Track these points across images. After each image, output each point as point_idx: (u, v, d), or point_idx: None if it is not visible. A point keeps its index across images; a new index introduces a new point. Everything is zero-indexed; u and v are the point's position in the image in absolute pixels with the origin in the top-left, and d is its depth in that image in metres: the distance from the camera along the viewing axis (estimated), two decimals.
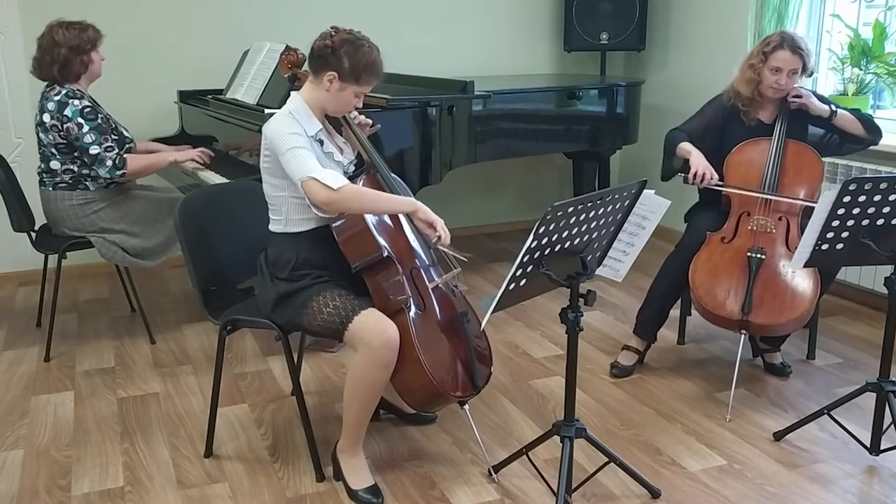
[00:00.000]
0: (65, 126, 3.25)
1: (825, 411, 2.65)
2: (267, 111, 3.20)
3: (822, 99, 3.12)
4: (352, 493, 2.41)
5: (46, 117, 3.28)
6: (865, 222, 2.37)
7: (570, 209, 2.00)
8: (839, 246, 2.42)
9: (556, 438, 2.31)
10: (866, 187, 2.28)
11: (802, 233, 2.49)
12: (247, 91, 3.80)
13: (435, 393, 2.33)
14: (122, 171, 3.33)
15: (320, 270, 2.39)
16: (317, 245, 2.39)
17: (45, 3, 3.90)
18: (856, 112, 3.11)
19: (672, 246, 3.21)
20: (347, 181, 2.30)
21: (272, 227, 2.45)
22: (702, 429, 2.83)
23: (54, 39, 3.26)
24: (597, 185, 4.76)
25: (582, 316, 2.20)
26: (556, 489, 2.26)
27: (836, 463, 2.60)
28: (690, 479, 2.52)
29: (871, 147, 3.21)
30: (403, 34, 4.74)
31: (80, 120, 3.25)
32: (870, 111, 3.98)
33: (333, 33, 2.34)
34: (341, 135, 2.58)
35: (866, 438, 2.62)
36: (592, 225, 2.13)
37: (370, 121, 2.62)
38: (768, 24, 4.07)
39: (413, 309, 2.35)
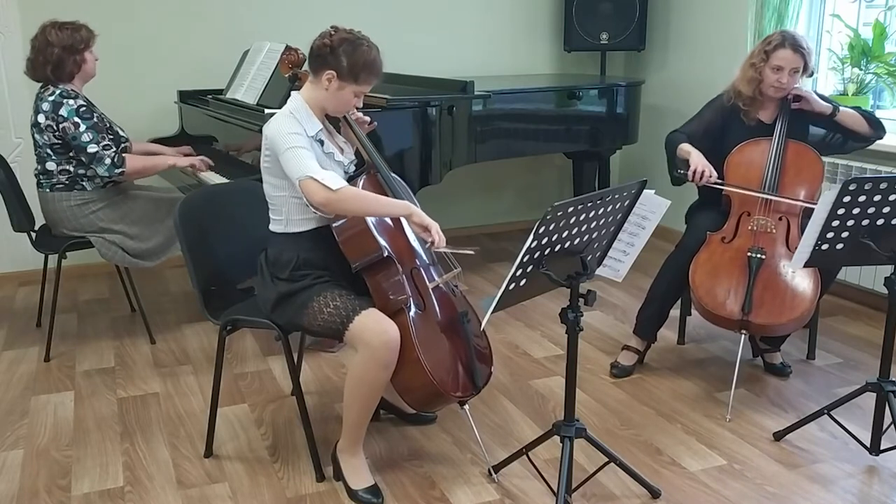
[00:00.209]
0: (61, 126, 3.25)
1: (825, 411, 2.65)
2: (267, 111, 3.20)
3: (822, 98, 3.12)
4: (352, 493, 2.41)
5: (41, 118, 3.27)
6: (865, 222, 2.37)
7: (570, 209, 2.00)
8: (839, 246, 2.42)
9: (556, 438, 2.31)
10: (866, 187, 2.28)
11: (803, 233, 2.48)
12: (247, 91, 3.80)
13: (435, 393, 2.33)
14: (120, 170, 3.33)
15: (321, 270, 2.39)
16: (317, 245, 2.39)
17: (45, 3, 3.90)
18: (857, 109, 3.11)
19: (672, 246, 3.21)
20: (346, 182, 2.29)
21: (272, 227, 2.45)
22: (702, 429, 2.83)
23: (47, 40, 3.26)
24: (597, 185, 4.76)
25: (582, 316, 2.20)
26: (556, 489, 2.26)
27: (836, 463, 2.60)
28: (690, 479, 2.52)
29: (872, 147, 3.21)
30: (403, 34, 4.74)
31: (77, 119, 3.25)
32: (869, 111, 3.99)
33: (333, 33, 2.34)
34: (341, 134, 2.58)
35: (866, 438, 2.62)
36: (592, 225, 2.13)
37: (368, 118, 2.62)
38: (768, 24, 4.07)
39: (413, 309, 2.35)
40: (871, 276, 3.82)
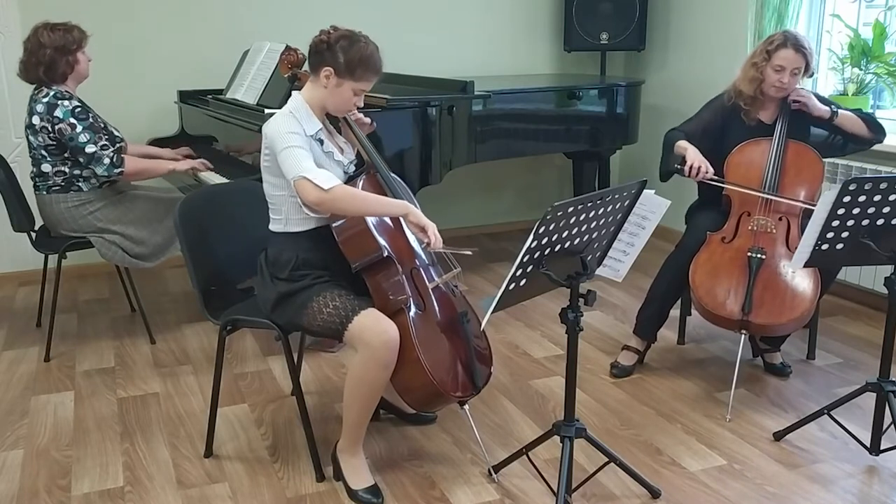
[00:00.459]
0: (56, 127, 3.24)
1: (825, 411, 2.65)
2: (267, 111, 3.20)
3: (822, 100, 3.13)
4: (352, 493, 2.41)
5: (36, 119, 3.27)
6: (865, 222, 2.37)
7: (570, 209, 2.00)
8: (839, 246, 2.42)
9: (556, 438, 2.31)
10: (866, 187, 2.28)
11: (803, 233, 2.48)
12: (247, 91, 3.80)
13: (435, 393, 2.33)
14: (119, 170, 3.33)
15: (320, 270, 2.39)
16: (317, 245, 2.39)
17: (45, 3, 3.90)
18: (857, 112, 3.11)
19: (672, 246, 3.21)
20: (340, 182, 2.29)
21: (272, 227, 2.44)
22: (702, 429, 2.83)
23: (39, 41, 3.25)
24: (597, 185, 4.76)
25: (582, 316, 2.20)
26: (556, 489, 2.26)
27: (836, 463, 2.60)
28: (690, 479, 2.52)
29: (872, 147, 3.21)
30: (403, 34, 4.74)
31: (73, 120, 3.25)
32: (870, 111, 3.98)
33: (331, 31, 2.35)
34: (341, 135, 2.58)
35: (866, 438, 2.62)
36: (592, 225, 2.13)
37: (368, 119, 2.62)
38: (768, 24, 4.07)
39: (413, 309, 2.35)
40: (871, 276, 3.82)
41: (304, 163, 2.25)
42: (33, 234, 3.51)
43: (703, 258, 3.01)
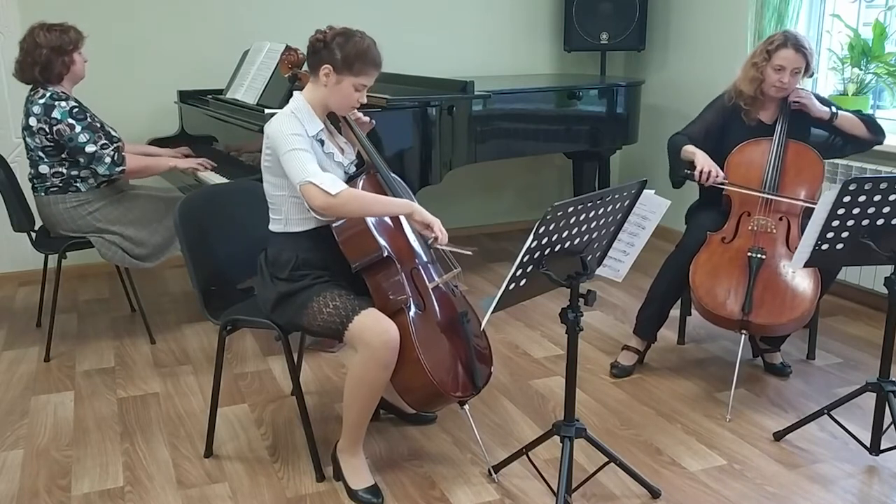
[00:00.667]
0: (55, 128, 3.24)
1: (825, 411, 2.65)
2: (267, 111, 3.20)
3: (823, 101, 3.13)
4: (352, 493, 2.41)
5: (33, 121, 3.26)
6: (865, 222, 2.37)
7: (570, 209, 2.00)
8: (839, 246, 2.42)
9: (556, 438, 2.31)
10: (866, 187, 2.28)
11: (803, 233, 2.48)
12: (247, 91, 3.80)
13: (435, 393, 2.33)
14: (121, 168, 3.33)
15: (320, 270, 2.39)
16: (317, 245, 2.39)
17: (45, 3, 3.91)
18: (857, 113, 3.11)
19: (672, 246, 3.21)
20: (345, 185, 2.29)
21: (272, 227, 2.44)
22: (702, 429, 2.83)
23: (35, 41, 3.25)
24: (597, 185, 4.76)
25: (582, 316, 2.20)
26: (556, 489, 2.26)
27: (836, 463, 2.60)
28: (690, 479, 2.52)
29: (872, 148, 3.21)
30: (403, 34, 4.74)
31: (71, 120, 3.25)
32: (870, 111, 3.98)
33: (327, 30, 2.35)
34: (341, 134, 2.58)
35: (866, 438, 2.62)
36: (592, 225, 2.13)
37: (367, 118, 2.62)
38: (768, 25, 4.07)
39: (413, 309, 2.35)
40: (871, 276, 3.82)
41: (310, 167, 2.25)
42: (33, 234, 3.51)
43: (703, 258, 3.01)
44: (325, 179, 2.23)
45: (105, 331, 3.76)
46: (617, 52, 5.25)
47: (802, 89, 3.11)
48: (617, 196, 2.15)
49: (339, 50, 2.31)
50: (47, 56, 3.25)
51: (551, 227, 2.00)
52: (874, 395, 2.55)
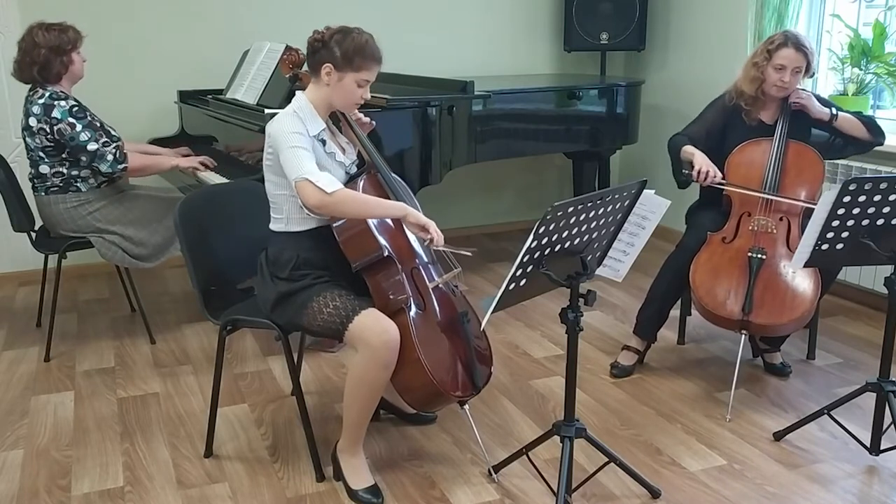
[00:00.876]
0: (55, 128, 3.24)
1: (825, 411, 2.65)
2: (267, 111, 3.20)
3: (823, 102, 3.13)
4: (352, 493, 2.41)
5: (33, 121, 3.26)
6: (865, 222, 2.37)
7: (570, 209, 2.00)
8: (839, 246, 2.42)
9: (556, 438, 2.31)
10: (866, 187, 2.28)
11: (803, 233, 2.48)
12: (247, 91, 3.80)
13: (435, 393, 2.33)
14: (123, 165, 3.33)
15: (321, 270, 2.39)
16: (317, 245, 2.39)
17: (45, 3, 3.91)
18: (857, 114, 3.11)
19: (672, 246, 3.21)
20: (342, 185, 2.29)
21: (273, 226, 2.45)
22: (702, 429, 2.83)
23: (34, 41, 3.25)
24: (597, 185, 4.76)
25: (582, 316, 2.20)
26: (556, 489, 2.26)
27: (836, 463, 2.60)
28: (690, 479, 2.52)
29: (872, 150, 3.20)
30: (403, 34, 4.74)
31: (72, 119, 3.25)
32: (870, 111, 3.98)
33: (325, 30, 2.36)
34: (342, 134, 2.58)
35: (866, 438, 2.62)
36: (592, 225, 2.13)
37: (368, 119, 2.62)
38: (768, 25, 4.07)
39: (413, 308, 2.35)
40: (871, 276, 3.82)
41: (307, 164, 2.25)
42: (33, 234, 3.51)
43: (703, 258, 3.01)
44: (321, 178, 2.23)
45: (105, 331, 3.76)
46: (617, 52, 5.25)
47: (803, 90, 3.11)
48: (617, 196, 2.15)
49: (337, 47, 2.31)
50: (46, 56, 3.25)
51: (551, 227, 2.00)
52: (874, 395, 2.55)
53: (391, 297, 2.35)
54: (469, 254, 2.37)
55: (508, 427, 2.84)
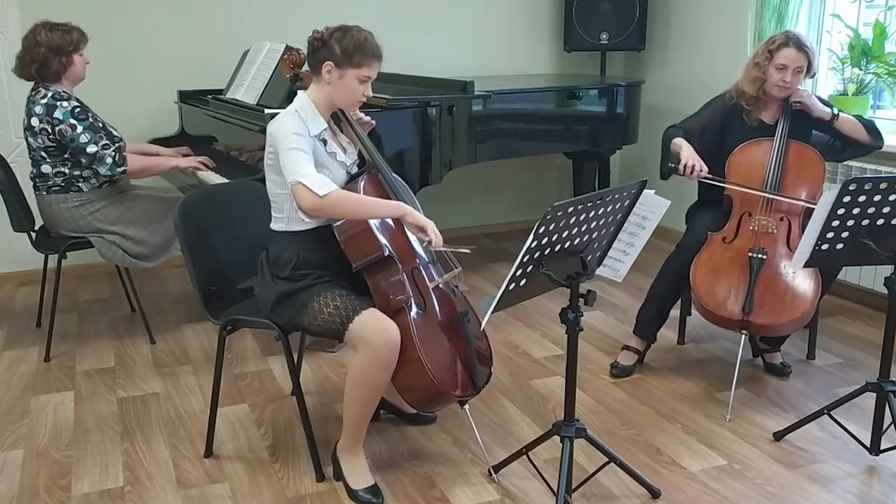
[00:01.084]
0: (57, 129, 3.24)
1: (825, 411, 2.65)
2: (267, 111, 3.20)
3: (824, 103, 3.12)
4: (352, 493, 2.41)
5: (35, 121, 3.27)
6: (865, 222, 2.37)
7: (570, 209, 2.00)
8: (839, 246, 2.42)
9: (556, 438, 2.31)
10: (866, 187, 2.28)
11: (803, 233, 2.48)
12: (247, 91, 3.80)
13: (435, 392, 2.33)
14: (122, 168, 3.33)
15: (321, 270, 2.39)
16: (318, 244, 2.39)
17: (45, 3, 3.90)
18: (858, 117, 3.11)
19: (672, 246, 3.21)
20: (335, 187, 2.28)
21: (273, 226, 2.45)
22: (702, 429, 2.83)
23: (36, 39, 3.26)
24: (597, 185, 4.76)
25: (582, 316, 2.20)
26: (556, 489, 2.26)
27: (836, 463, 2.60)
28: (690, 479, 2.52)
29: (870, 154, 3.21)
30: (403, 34, 4.74)
31: (73, 121, 3.25)
32: (870, 111, 3.99)
33: (324, 30, 2.36)
34: (343, 134, 2.58)
35: (866, 438, 2.62)
36: (592, 225, 2.13)
37: (368, 118, 2.62)
38: (768, 25, 4.07)
39: (414, 308, 2.35)
40: (871, 276, 3.82)
41: (304, 167, 2.24)
42: (33, 234, 3.51)
43: (703, 258, 3.01)
44: (314, 180, 2.23)
45: (105, 331, 3.76)
46: (617, 52, 5.25)
47: (804, 90, 3.11)
48: (617, 196, 2.15)
49: (337, 45, 2.32)
50: (45, 55, 3.25)
51: (551, 227, 2.00)
52: (874, 395, 2.55)
53: (391, 296, 2.35)
54: (468, 251, 2.37)
55: (508, 427, 2.84)
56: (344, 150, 2.48)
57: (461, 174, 4.32)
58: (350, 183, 2.43)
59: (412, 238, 2.49)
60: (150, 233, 3.46)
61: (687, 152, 3.02)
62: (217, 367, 2.60)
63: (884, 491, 2.47)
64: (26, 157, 3.42)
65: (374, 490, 2.41)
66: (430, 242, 2.30)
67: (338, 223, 2.34)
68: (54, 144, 3.29)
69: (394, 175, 2.56)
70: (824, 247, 2.41)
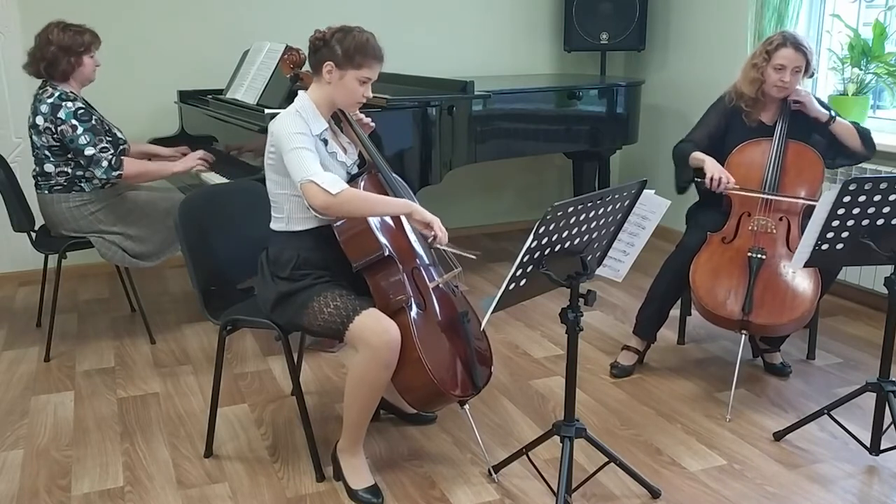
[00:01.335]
0: (59, 129, 3.24)
1: (825, 411, 2.65)
2: (267, 111, 3.20)
3: (823, 105, 3.12)
4: (352, 493, 2.41)
5: (40, 120, 3.27)
6: (865, 222, 2.37)
7: (570, 209, 2.00)
8: (839, 246, 2.42)
9: (556, 438, 2.31)
10: (866, 187, 2.29)
11: (803, 233, 2.49)
12: (247, 91, 3.80)
13: (436, 392, 2.33)
14: (118, 173, 3.33)
15: (321, 270, 2.39)
16: (318, 244, 2.39)
17: (45, 3, 3.91)
18: (854, 124, 3.11)
19: (672, 246, 3.21)
20: (346, 185, 2.29)
21: (274, 226, 2.45)
22: (702, 429, 2.83)
23: (48, 38, 3.28)
24: (597, 185, 4.76)
25: (582, 316, 2.20)
26: (556, 489, 2.26)
27: (836, 463, 2.60)
28: (690, 479, 2.52)
29: (860, 163, 3.22)
30: (403, 34, 4.74)
31: (74, 122, 3.25)
32: (870, 111, 3.99)
33: (325, 30, 2.36)
34: (343, 134, 2.58)
35: (866, 438, 2.62)
36: (592, 225, 2.13)
37: (368, 119, 2.62)
38: (768, 25, 4.07)
39: (414, 308, 2.35)
40: (871, 276, 3.82)
41: (312, 166, 2.25)
42: (33, 234, 3.51)
43: (703, 258, 3.01)
44: (326, 178, 2.23)
45: (105, 331, 3.76)
46: (617, 52, 5.25)
47: (802, 90, 3.11)
48: (617, 196, 2.15)
49: (338, 45, 2.32)
50: (54, 54, 3.26)
51: (551, 227, 2.00)
52: (874, 395, 2.55)
53: (391, 296, 2.35)
54: (473, 257, 2.38)
55: (508, 427, 2.84)
56: (344, 151, 2.49)
57: (461, 174, 4.33)
58: (350, 183, 2.43)
59: (412, 238, 2.50)
60: (150, 233, 3.46)
61: (711, 165, 3.02)
62: (217, 367, 2.60)
63: (884, 491, 2.47)
64: (26, 157, 3.42)
65: (374, 490, 2.41)
66: (435, 238, 2.30)
67: (338, 223, 2.34)
68: (58, 144, 3.29)
69: (394, 175, 2.56)
70: (824, 247, 2.41)
